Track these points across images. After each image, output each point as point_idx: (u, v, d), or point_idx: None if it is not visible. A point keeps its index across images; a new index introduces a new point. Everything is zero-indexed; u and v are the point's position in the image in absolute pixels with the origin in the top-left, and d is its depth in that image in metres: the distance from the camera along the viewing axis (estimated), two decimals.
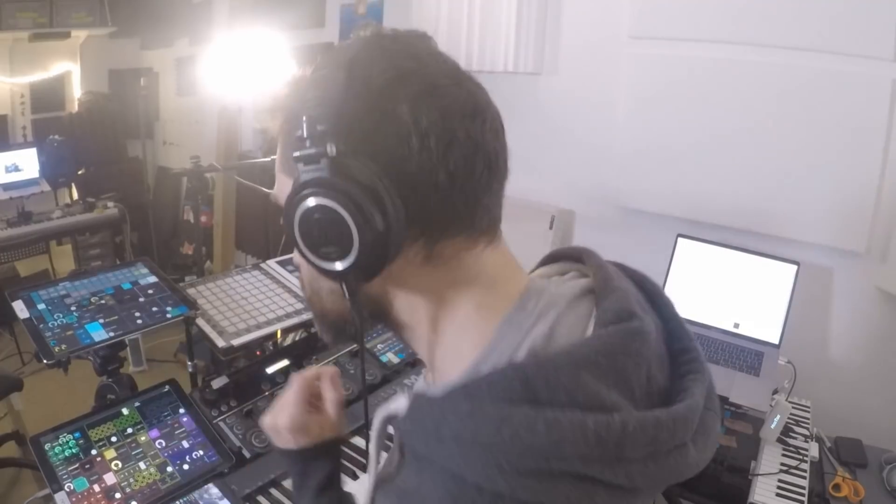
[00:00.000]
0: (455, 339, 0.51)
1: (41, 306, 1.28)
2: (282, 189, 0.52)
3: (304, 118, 0.44)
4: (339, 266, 0.47)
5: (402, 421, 0.47)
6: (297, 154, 0.45)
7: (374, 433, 0.53)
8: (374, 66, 0.46)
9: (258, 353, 1.56)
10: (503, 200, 0.52)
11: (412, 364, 1.53)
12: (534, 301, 0.50)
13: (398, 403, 0.48)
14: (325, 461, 0.72)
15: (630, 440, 0.42)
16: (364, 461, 1.15)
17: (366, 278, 0.48)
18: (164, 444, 1.15)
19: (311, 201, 0.45)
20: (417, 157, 0.45)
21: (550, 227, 2.24)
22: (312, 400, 0.73)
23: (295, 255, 0.54)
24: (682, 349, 0.52)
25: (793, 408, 1.62)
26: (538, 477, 0.42)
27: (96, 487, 1.03)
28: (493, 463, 0.42)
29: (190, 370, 1.61)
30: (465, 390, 0.44)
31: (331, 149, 0.44)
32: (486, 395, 0.43)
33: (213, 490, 1.09)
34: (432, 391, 0.46)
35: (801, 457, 1.46)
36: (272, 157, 1.87)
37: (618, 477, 0.42)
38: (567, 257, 0.59)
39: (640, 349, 0.47)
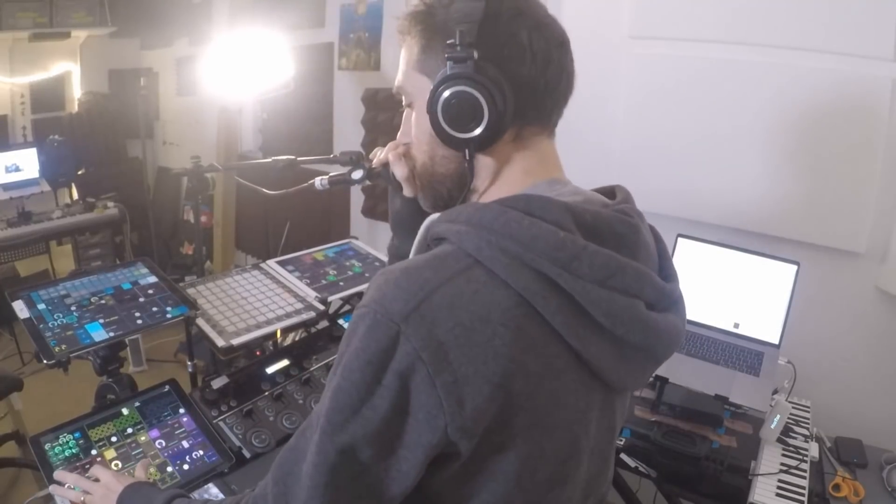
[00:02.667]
0: (498, 190, 0.70)
1: (41, 306, 1.28)
2: (414, 83, 0.71)
3: (458, 31, 0.63)
4: (470, 134, 0.66)
5: (442, 215, 0.67)
6: (448, 55, 0.64)
7: (418, 237, 0.71)
8: (503, 3, 0.66)
9: (258, 353, 1.56)
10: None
11: None
12: (560, 185, 0.70)
13: (430, 218, 0.69)
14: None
15: (586, 255, 0.59)
16: None
17: (481, 148, 0.67)
18: (164, 444, 1.15)
19: (457, 88, 0.64)
20: (528, 69, 0.66)
21: None
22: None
23: (415, 132, 0.73)
24: (666, 275, 0.71)
25: (793, 408, 1.62)
26: (511, 258, 0.59)
27: None
28: (484, 238, 0.60)
29: (190, 370, 1.61)
30: (501, 200, 0.63)
31: (474, 54, 0.63)
32: (497, 202, 0.63)
33: (213, 490, 1.09)
34: None
35: (801, 457, 1.46)
36: (273, 157, 1.86)
37: (574, 286, 0.59)
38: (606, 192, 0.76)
39: (626, 234, 0.65)
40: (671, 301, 0.68)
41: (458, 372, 0.56)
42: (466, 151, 0.67)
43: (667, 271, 0.72)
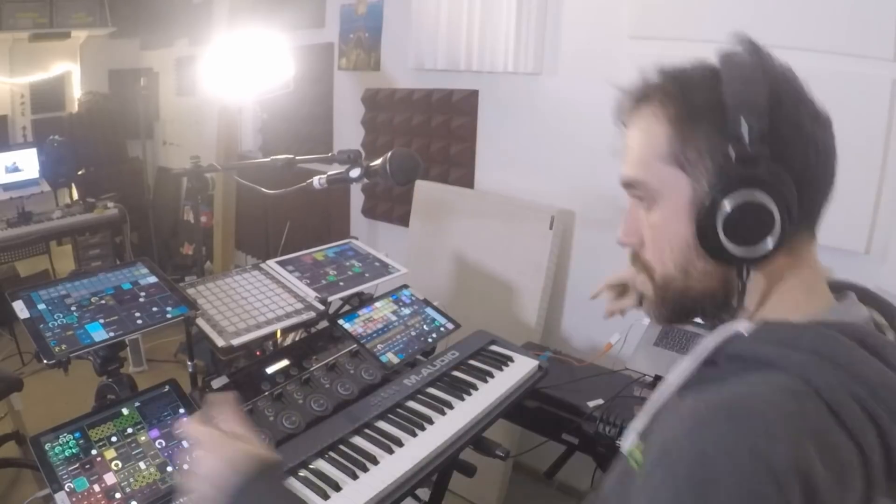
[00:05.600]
0: (781, 306, 0.60)
1: (41, 306, 1.28)
2: (661, 177, 0.60)
3: (747, 123, 0.53)
4: (757, 250, 0.56)
5: (756, 333, 0.57)
6: (736, 152, 0.54)
7: (700, 352, 0.61)
8: (781, 85, 0.56)
9: (258, 353, 1.56)
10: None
11: (412, 364, 1.53)
12: (848, 303, 0.62)
13: (735, 326, 0.59)
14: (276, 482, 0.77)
15: None
16: (363, 461, 1.15)
17: (759, 264, 0.57)
18: (164, 443, 1.15)
19: (746, 195, 0.54)
20: (813, 168, 0.57)
21: (550, 228, 2.24)
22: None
23: (656, 235, 0.63)
24: None
25: None
26: (860, 403, 0.51)
27: (96, 487, 1.03)
28: (837, 378, 0.52)
29: (190, 370, 1.61)
30: (822, 324, 0.56)
31: (765, 151, 0.53)
32: (839, 330, 0.55)
33: None
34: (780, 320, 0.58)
35: None
36: (272, 157, 1.85)
37: None
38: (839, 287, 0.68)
39: None
40: None
41: None
42: (745, 269, 0.57)
43: None
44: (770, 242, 0.55)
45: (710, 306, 0.62)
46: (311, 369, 1.40)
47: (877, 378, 0.52)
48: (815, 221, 0.61)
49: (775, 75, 0.57)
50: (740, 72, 0.56)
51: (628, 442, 0.65)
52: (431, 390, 1.43)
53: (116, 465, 1.09)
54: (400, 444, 1.23)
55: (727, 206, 0.55)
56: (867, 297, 0.65)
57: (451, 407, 1.37)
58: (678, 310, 0.64)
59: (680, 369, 0.62)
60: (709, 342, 0.60)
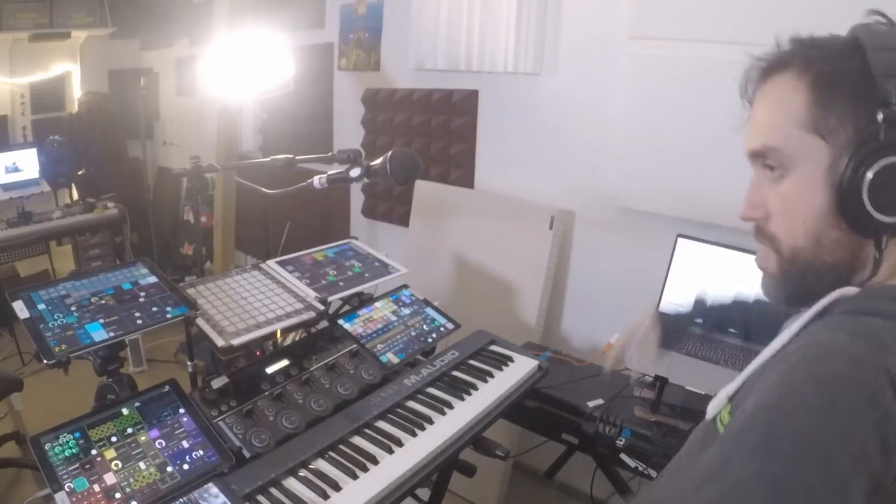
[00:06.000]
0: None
1: (41, 306, 1.28)
2: (798, 145, 0.59)
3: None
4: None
5: (865, 291, 0.57)
6: (881, 118, 0.53)
7: (805, 316, 0.60)
8: None
9: (258, 353, 1.56)
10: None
11: (412, 364, 1.53)
12: None
13: (841, 291, 0.59)
14: None
15: None
16: (363, 461, 1.15)
17: None
18: (164, 444, 1.15)
19: (892, 161, 0.53)
20: None
21: (550, 228, 2.24)
22: None
23: (787, 206, 0.62)
24: None
25: None
26: None
27: (96, 487, 1.03)
28: None
29: (190, 370, 1.61)
30: None
31: None
32: None
33: (213, 490, 1.08)
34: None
35: None
36: (272, 157, 1.86)
37: None
38: None
39: None
40: None
41: None
42: (884, 238, 0.57)
43: None
44: None
45: (834, 280, 0.61)
46: (311, 369, 1.40)
47: None
48: None
49: None
50: (886, 39, 0.57)
51: (716, 404, 0.64)
52: (431, 390, 1.43)
53: (116, 465, 1.09)
54: (400, 443, 1.23)
55: (873, 172, 0.54)
56: None
57: (451, 407, 1.37)
58: (800, 285, 0.63)
59: (782, 334, 0.62)
60: (816, 306, 0.60)
